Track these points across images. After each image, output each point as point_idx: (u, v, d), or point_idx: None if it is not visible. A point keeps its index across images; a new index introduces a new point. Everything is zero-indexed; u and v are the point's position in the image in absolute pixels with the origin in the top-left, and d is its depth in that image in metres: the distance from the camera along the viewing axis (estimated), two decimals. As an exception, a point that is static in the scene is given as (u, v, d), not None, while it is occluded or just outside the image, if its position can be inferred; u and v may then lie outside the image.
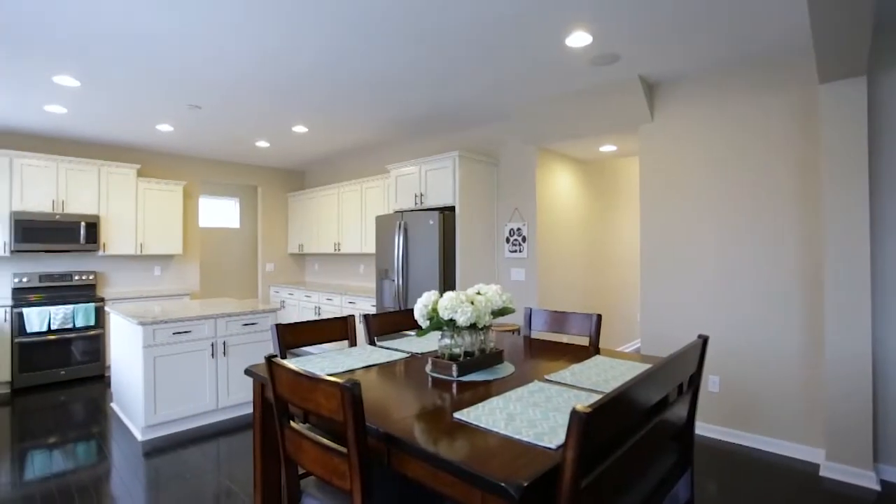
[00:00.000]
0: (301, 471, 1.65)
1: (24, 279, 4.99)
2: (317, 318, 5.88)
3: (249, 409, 3.91)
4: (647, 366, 1.98)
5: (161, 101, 4.01)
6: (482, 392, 1.66)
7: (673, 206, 3.54)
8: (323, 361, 2.00)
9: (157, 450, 3.23)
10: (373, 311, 4.97)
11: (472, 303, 1.78)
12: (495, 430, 1.31)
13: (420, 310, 1.82)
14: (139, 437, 3.40)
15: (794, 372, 3.04)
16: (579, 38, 2.85)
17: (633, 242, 6.05)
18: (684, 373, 1.64)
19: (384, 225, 4.63)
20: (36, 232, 4.80)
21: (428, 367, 1.91)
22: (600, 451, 1.27)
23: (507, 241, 4.52)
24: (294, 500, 1.51)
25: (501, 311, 1.90)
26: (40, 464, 3.05)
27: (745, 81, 3.21)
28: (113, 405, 4.09)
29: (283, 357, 2.08)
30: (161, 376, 3.41)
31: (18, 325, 4.53)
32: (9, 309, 4.51)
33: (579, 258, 4.99)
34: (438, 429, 1.33)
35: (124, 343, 3.73)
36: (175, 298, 5.60)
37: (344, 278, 6.69)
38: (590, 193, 5.21)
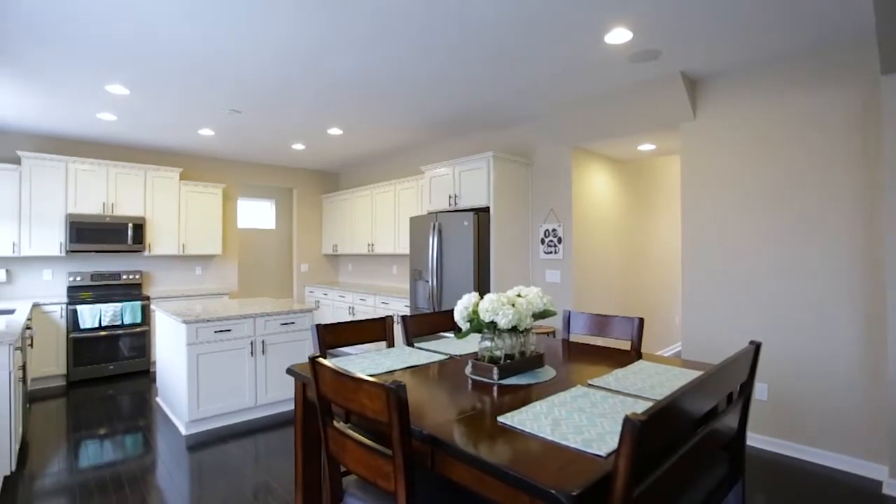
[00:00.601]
0: (342, 469, 1.67)
1: (78, 278, 5.25)
2: (350, 317, 5.96)
3: (287, 407, 3.99)
4: (694, 372, 1.91)
5: (204, 106, 4.15)
6: (523, 396, 1.63)
7: (716, 207, 3.41)
8: (363, 362, 2.01)
9: (199, 444, 3.33)
10: (406, 311, 5.00)
11: (513, 305, 1.75)
12: (541, 435, 1.29)
13: (460, 312, 1.81)
14: (183, 431, 3.52)
15: (851, 380, 2.87)
16: (619, 35, 2.78)
17: (671, 243, 5.87)
18: (736, 380, 1.58)
19: (418, 226, 4.65)
20: (88, 233, 5.04)
21: (468, 370, 1.89)
22: (651, 459, 1.22)
23: (542, 242, 4.46)
24: (337, 499, 1.52)
25: (542, 314, 1.87)
26: (93, 453, 3.20)
27: (796, 75, 3.06)
28: (158, 399, 4.24)
29: (324, 357, 2.11)
30: (203, 373, 3.51)
31: (73, 321, 4.77)
32: (65, 306, 4.76)
33: (616, 259, 4.88)
34: (482, 432, 1.32)
35: (169, 340, 3.87)
36: (215, 298, 5.78)
37: (377, 279, 6.76)
38: (627, 193, 5.09)
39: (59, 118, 4.50)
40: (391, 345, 2.45)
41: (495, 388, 1.71)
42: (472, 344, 2.42)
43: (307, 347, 4.07)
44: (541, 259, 4.49)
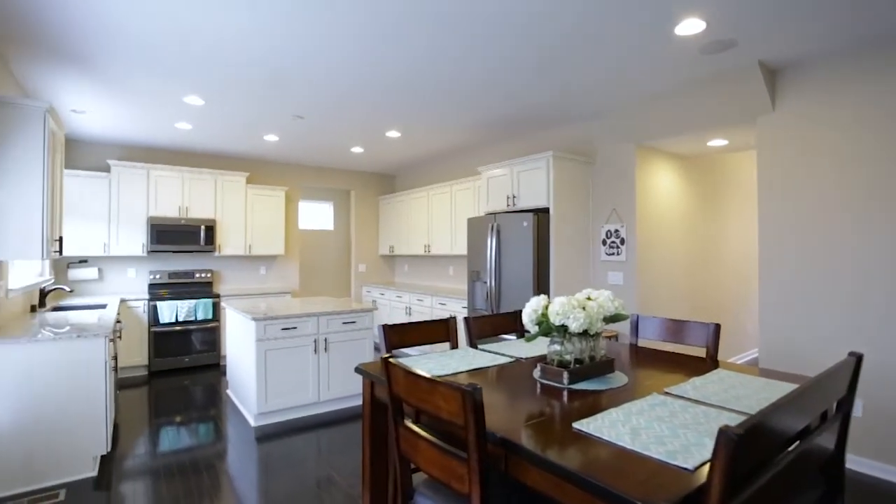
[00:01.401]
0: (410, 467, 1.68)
1: (157, 276, 5.66)
2: (407, 318, 6.04)
3: (347, 404, 4.10)
4: (781, 384, 1.78)
5: (270, 113, 4.34)
6: (593, 402, 1.58)
7: (798, 206, 3.17)
8: (429, 363, 2.02)
9: (267, 436, 3.49)
10: (464, 312, 5.00)
11: (584, 308, 1.70)
12: (620, 443, 1.24)
13: (529, 314, 1.78)
14: (252, 422, 3.70)
15: (960, 399, 2.57)
16: (691, 26, 2.64)
17: (743, 244, 5.52)
18: (833, 396, 1.45)
19: (476, 227, 4.64)
20: (166, 234, 5.42)
21: (536, 373, 1.86)
22: (744, 477, 1.14)
23: (604, 243, 4.32)
24: (407, 497, 1.54)
25: (613, 318, 1.80)
26: (172, 438, 3.43)
27: (893, 60, 2.78)
28: (228, 392, 4.49)
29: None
30: (271, 368, 3.68)
31: (153, 316, 5.15)
32: (146, 302, 5.14)
33: (682, 261, 4.65)
34: (558, 438, 1.29)
35: (238, 336, 4.08)
36: (278, 296, 6.03)
37: (433, 279, 6.81)
38: (694, 192, 4.83)
39: (143, 129, 4.87)
40: (455, 346, 2.45)
41: (565, 393, 1.67)
42: (537, 347, 2.37)
43: (367, 346, 4.16)
44: (602, 260, 4.35)
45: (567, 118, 4.47)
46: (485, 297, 4.48)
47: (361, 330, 4.11)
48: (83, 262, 5.32)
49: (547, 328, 1.73)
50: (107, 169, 5.42)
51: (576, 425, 1.36)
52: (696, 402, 1.57)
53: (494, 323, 2.55)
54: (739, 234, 5.49)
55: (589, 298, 1.80)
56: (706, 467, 1.12)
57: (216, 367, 5.48)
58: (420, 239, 6.42)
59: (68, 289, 4.47)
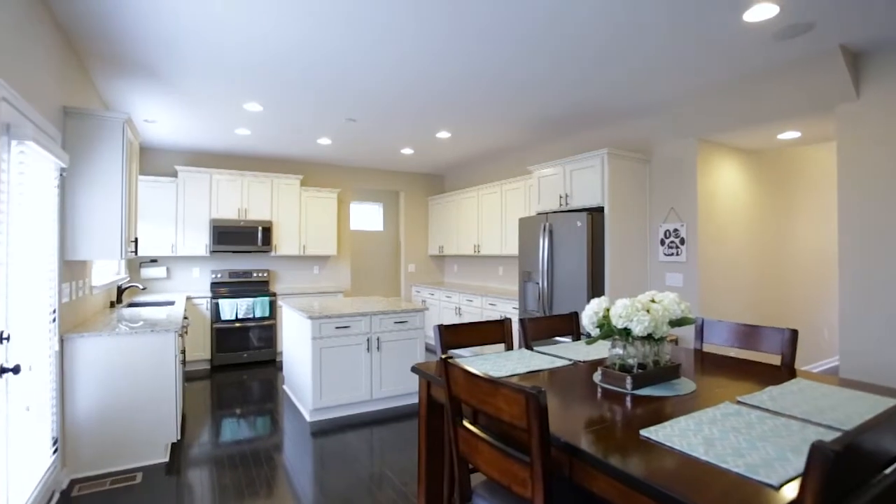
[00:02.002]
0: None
1: (219, 275, 5.96)
2: (457, 318, 6.04)
3: (399, 402, 4.15)
4: (872, 396, 1.62)
5: (324, 117, 4.47)
6: (659, 409, 1.51)
7: (884, 202, 2.90)
8: (484, 364, 2.00)
9: (321, 431, 3.58)
10: (514, 313, 4.94)
11: (648, 311, 1.63)
12: (692, 454, 1.17)
13: (589, 317, 1.72)
14: (307, 418, 3.81)
15: None
16: (762, 11, 2.47)
17: (818, 243, 5.13)
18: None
19: (528, 227, 4.57)
20: (227, 235, 5.70)
21: (597, 377, 1.80)
22: (838, 499, 1.05)
23: (662, 243, 4.14)
24: (465, 498, 1.52)
25: (679, 322, 1.71)
26: (233, 429, 3.59)
27: None
28: (285, 387, 4.65)
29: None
30: (325, 365, 3.77)
31: (215, 313, 5.42)
32: (209, 300, 5.43)
33: (748, 262, 4.37)
34: (624, 445, 1.23)
35: (294, 334, 4.22)
36: (330, 295, 6.20)
37: (483, 280, 6.78)
38: (761, 188, 4.54)
39: (206, 136, 5.14)
40: (510, 347, 2.42)
41: (628, 399, 1.61)
42: (595, 350, 2.30)
43: (418, 346, 4.19)
44: (660, 261, 4.17)
45: (621, 115, 4.32)
46: (536, 298, 4.40)
47: (413, 329, 4.15)
48: (153, 261, 5.69)
49: (608, 331, 1.67)
50: (174, 174, 5.77)
51: (643, 433, 1.30)
52: (775, 413, 1.46)
53: (550, 325, 2.49)
54: (812, 233, 5.11)
55: (653, 301, 1.72)
56: (792, 485, 1.03)
57: (272, 363, 5.70)
58: (470, 239, 6.41)
59: (141, 286, 4.79)
